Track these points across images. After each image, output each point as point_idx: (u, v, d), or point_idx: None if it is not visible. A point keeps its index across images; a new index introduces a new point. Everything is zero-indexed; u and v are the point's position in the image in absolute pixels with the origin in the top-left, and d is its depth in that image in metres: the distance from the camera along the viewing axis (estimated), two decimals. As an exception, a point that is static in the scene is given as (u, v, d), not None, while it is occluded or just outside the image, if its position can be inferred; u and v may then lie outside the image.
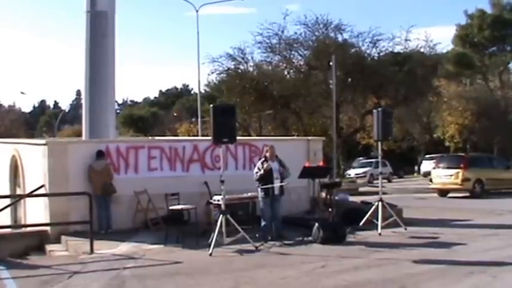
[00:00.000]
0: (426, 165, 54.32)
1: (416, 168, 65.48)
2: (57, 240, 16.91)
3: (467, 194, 32.57)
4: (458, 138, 58.72)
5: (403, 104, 41.15)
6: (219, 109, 15.72)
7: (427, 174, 46.46)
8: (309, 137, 23.98)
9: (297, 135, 39.35)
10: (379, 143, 19.68)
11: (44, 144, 18.18)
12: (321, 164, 20.05)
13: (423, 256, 13.90)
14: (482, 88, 61.37)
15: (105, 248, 15.30)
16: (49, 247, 16.45)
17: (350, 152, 57.07)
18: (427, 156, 59.10)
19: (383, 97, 40.48)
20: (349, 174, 51.13)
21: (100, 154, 18.09)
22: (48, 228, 17.24)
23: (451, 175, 32.75)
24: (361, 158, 60.32)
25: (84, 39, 21.68)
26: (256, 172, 16.40)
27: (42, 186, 17.79)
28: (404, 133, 57.65)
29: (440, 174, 33.61)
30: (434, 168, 35.33)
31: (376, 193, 19.33)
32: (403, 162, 65.91)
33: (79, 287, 11.59)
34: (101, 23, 21.46)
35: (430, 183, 34.97)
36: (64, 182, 17.53)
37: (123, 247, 15.57)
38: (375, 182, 49.27)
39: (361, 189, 39.45)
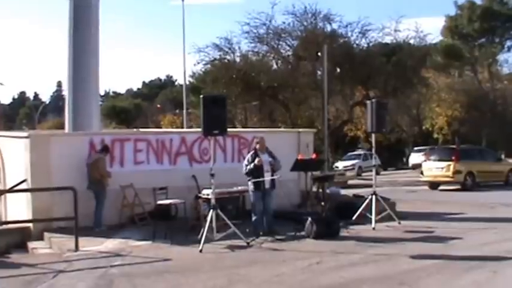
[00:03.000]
0: (415, 158, 54.42)
1: (404, 160, 65.52)
2: (40, 237, 16.62)
3: (459, 187, 32.51)
4: (447, 130, 58.76)
5: (392, 96, 40.88)
6: (209, 100, 15.33)
7: (416, 166, 46.53)
8: (300, 129, 23.72)
9: (284, 127, 39.16)
10: (373, 135, 19.41)
11: (25, 137, 17.88)
12: (313, 156, 19.84)
13: (420, 251, 13.72)
14: (471, 80, 61.48)
15: (91, 244, 15.00)
16: (31, 244, 16.14)
17: (337, 144, 56.98)
18: (415, 148, 59.17)
19: (372, 88, 40.29)
20: (337, 167, 51.01)
21: (101, 148, 17.93)
22: (30, 224, 16.91)
23: (442, 167, 32.70)
24: (359, 151, 60.14)
25: (67, 27, 21.30)
26: (246, 165, 16.13)
27: (24, 180, 17.48)
28: (393, 125, 57.56)
29: (432, 166, 33.56)
30: (425, 160, 35.34)
31: (366, 186, 19.17)
32: (393, 155, 66.04)
33: (65, 287, 11.27)
34: (84, 11, 21.09)
35: (421, 175, 34.88)
36: (47, 176, 17.21)
37: (109, 244, 15.29)
38: (363, 174, 49.34)
39: (350, 182, 39.36)
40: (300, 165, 17.44)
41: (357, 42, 39.39)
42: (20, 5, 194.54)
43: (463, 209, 22.17)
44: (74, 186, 15.35)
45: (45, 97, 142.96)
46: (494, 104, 57.31)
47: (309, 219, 15.78)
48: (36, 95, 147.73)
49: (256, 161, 15.96)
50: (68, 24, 21.25)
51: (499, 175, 34.73)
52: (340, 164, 53.20)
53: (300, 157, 18.23)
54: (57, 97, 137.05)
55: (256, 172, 16.02)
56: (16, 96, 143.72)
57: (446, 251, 13.84)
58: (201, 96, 15.60)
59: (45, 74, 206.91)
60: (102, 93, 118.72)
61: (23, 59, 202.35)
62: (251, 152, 16.54)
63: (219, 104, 15.23)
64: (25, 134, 18.77)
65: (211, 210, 14.92)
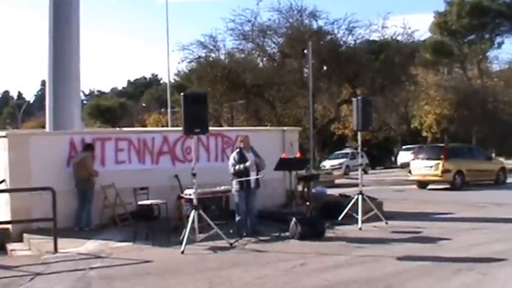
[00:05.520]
0: (403, 156, 54.41)
1: (393, 159, 65.53)
2: (19, 239, 16.51)
3: (448, 186, 32.52)
4: (436, 129, 58.71)
5: (379, 93, 40.72)
6: (190, 97, 15.18)
7: (405, 165, 46.48)
8: (284, 128, 23.63)
9: (270, 126, 39.01)
10: (359, 133, 19.29)
11: (3, 137, 17.69)
12: (298, 155, 19.75)
13: (407, 252, 13.62)
14: (460, 77, 61.41)
15: (70, 246, 14.82)
16: (10, 246, 16.04)
17: (325, 143, 56.89)
18: (404, 147, 59.20)
19: (359, 86, 40.15)
20: (324, 166, 50.94)
21: (85, 147, 17.92)
22: (9, 226, 16.77)
23: (431, 166, 32.68)
24: (347, 150, 60.02)
25: (47, 24, 21.10)
26: (233, 164, 16.02)
27: (3, 181, 17.36)
28: (381, 123, 57.48)
29: (420, 165, 33.51)
30: (413, 159, 35.27)
31: (353, 185, 19.08)
32: (382, 154, 66.13)
33: (41, 290, 11.11)
34: (64, 8, 20.89)
35: (409, 174, 34.82)
36: (26, 176, 17.07)
37: (89, 245, 15.14)
38: (351, 173, 49.27)
39: (337, 181, 39.28)
40: (283, 165, 17.31)
41: (344, 39, 39.13)
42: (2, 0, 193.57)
43: (452, 208, 22.16)
44: (52, 187, 15.15)
45: (29, 96, 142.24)
46: (484, 101, 57.06)
47: (294, 219, 15.68)
48: (20, 94, 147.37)
49: (248, 164, 15.92)
50: (48, 21, 21.05)
51: (489, 174, 34.79)
52: (328, 163, 53.08)
53: (284, 156, 18.12)
54: (42, 96, 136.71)
55: (243, 173, 15.95)
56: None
57: (435, 252, 13.76)
58: (181, 94, 15.47)
59: (29, 72, 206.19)
60: (86, 92, 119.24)
61: (7, 58, 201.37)
62: (236, 151, 16.47)
63: (200, 101, 15.05)
64: (3, 133, 18.55)
65: (193, 211, 14.80)
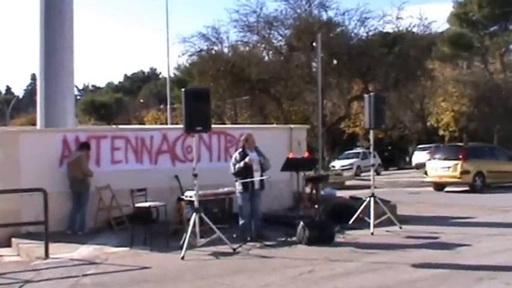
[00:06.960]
0: (419, 156, 54.34)
1: (407, 159, 65.45)
2: (7, 244, 16.53)
3: (467, 188, 32.41)
4: (453, 127, 58.55)
5: (393, 89, 40.78)
6: (192, 93, 15.22)
7: (420, 165, 46.41)
8: (292, 125, 23.63)
9: (276, 124, 39.04)
10: (371, 132, 19.27)
11: (-9, 134, 17.71)
12: (306, 155, 19.74)
13: (423, 259, 13.55)
14: (481, 71, 61.10)
15: (63, 251, 14.83)
16: (-3, 251, 16.01)
17: (334, 142, 56.94)
18: (419, 146, 59.08)
19: (371, 81, 40.19)
20: (334, 167, 50.93)
21: (80, 145, 17.98)
22: (-4, 229, 16.75)
23: (448, 167, 32.48)
24: (358, 149, 59.95)
25: (38, 16, 21.10)
26: (234, 164, 16.03)
27: (-10, 181, 17.30)
28: (395, 121, 57.39)
29: (437, 166, 33.31)
30: (429, 159, 35.11)
31: (365, 187, 19.00)
32: (396, 153, 66.08)
33: (31, 298, 11.13)
34: (57, -1, 20.95)
35: (425, 176, 34.70)
36: (15, 176, 17.12)
37: (83, 250, 15.13)
38: (362, 174, 49.25)
39: (347, 182, 39.26)
40: (291, 165, 17.28)
41: (355, 31, 39.35)
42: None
43: (472, 212, 22.07)
44: (44, 188, 15.13)
45: (19, 91, 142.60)
46: (506, 97, 56.65)
47: (301, 223, 15.65)
48: (8, 89, 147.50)
49: (246, 159, 15.89)
50: (40, 13, 21.04)
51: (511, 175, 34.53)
52: (337, 163, 53.16)
53: (291, 156, 18.10)
54: (32, 91, 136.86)
55: (245, 172, 15.93)
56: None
57: (453, 259, 13.69)
58: (182, 89, 15.47)
59: (18, 65, 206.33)
60: (80, 86, 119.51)
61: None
62: (239, 150, 16.45)
63: (201, 98, 15.05)
64: (-9, 130, 18.61)
65: (194, 214, 14.80)
